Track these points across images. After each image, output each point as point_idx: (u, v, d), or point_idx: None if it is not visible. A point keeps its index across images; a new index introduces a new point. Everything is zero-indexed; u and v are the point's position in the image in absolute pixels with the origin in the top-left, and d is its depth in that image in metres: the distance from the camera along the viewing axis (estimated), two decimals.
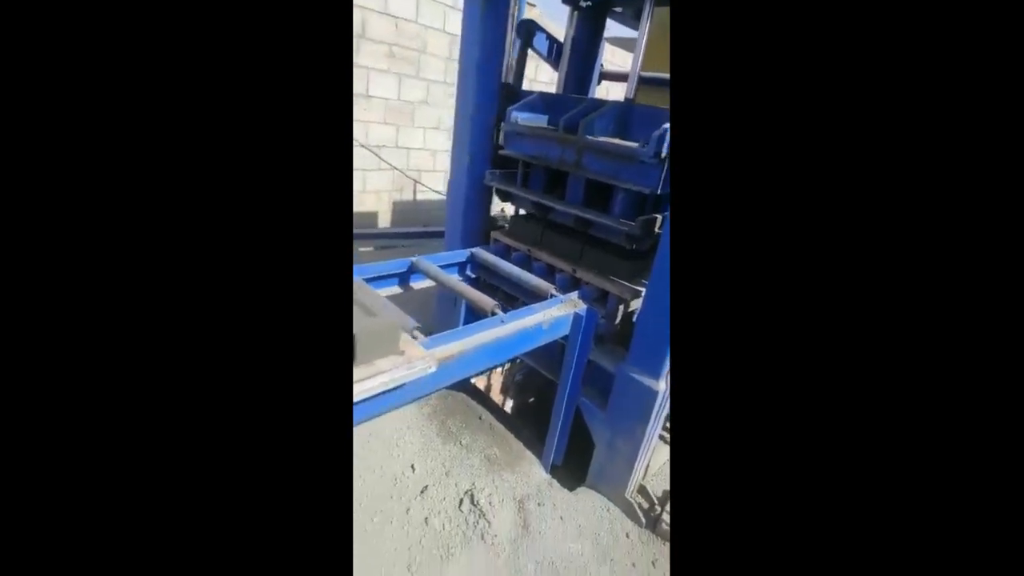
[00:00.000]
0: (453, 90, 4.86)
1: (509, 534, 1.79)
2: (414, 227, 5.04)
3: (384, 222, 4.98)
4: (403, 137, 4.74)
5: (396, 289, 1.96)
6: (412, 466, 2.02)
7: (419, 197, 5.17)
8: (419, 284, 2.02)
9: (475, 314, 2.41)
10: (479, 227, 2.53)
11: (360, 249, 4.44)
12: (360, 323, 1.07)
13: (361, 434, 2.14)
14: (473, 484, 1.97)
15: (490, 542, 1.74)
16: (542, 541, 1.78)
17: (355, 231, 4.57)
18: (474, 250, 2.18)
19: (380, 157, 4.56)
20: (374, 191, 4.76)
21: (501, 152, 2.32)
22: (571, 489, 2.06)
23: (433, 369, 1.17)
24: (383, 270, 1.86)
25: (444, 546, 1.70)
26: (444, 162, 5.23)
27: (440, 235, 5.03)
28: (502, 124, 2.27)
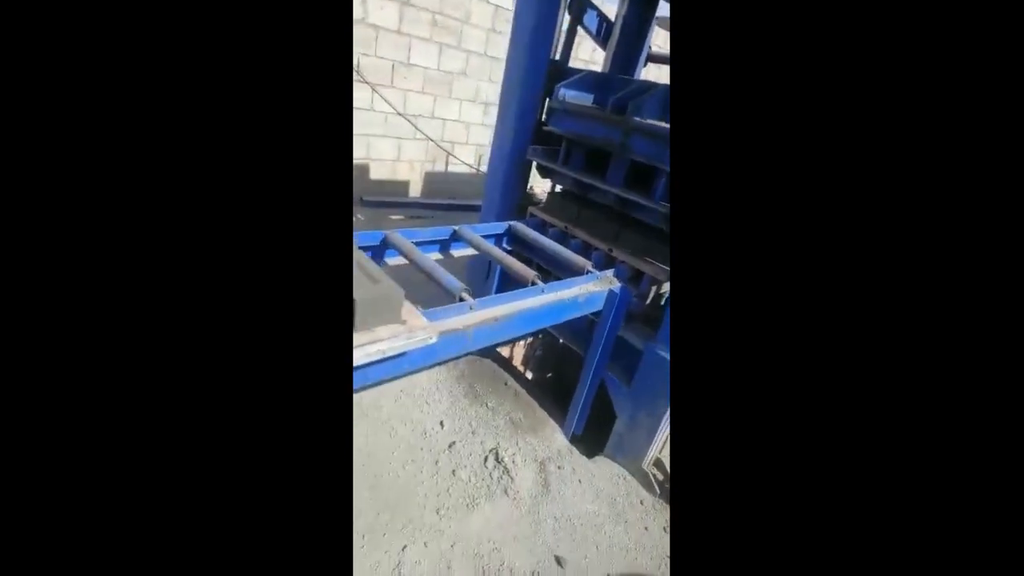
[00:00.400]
0: (492, 62, 4.86)
1: (530, 491, 1.91)
2: (444, 199, 5.11)
3: (415, 192, 5.06)
4: (440, 108, 4.77)
5: (437, 255, 2.05)
6: (441, 422, 2.15)
7: (450, 169, 5.22)
8: (459, 252, 2.10)
9: (507, 284, 2.50)
10: (516, 201, 2.60)
11: (392, 217, 4.54)
12: (361, 289, 1.07)
13: (393, 389, 2.27)
14: (498, 444, 2.09)
15: (513, 497, 1.87)
16: (561, 500, 1.90)
17: (388, 199, 4.67)
18: (512, 223, 2.25)
19: (416, 127, 4.61)
20: (408, 161, 4.83)
21: (544, 128, 2.36)
22: (589, 457, 2.16)
23: (433, 340, 1.16)
24: (428, 236, 1.94)
25: (470, 496, 1.83)
26: (477, 135, 5.25)
27: (468, 208, 5.12)
28: (548, 100, 2.31)
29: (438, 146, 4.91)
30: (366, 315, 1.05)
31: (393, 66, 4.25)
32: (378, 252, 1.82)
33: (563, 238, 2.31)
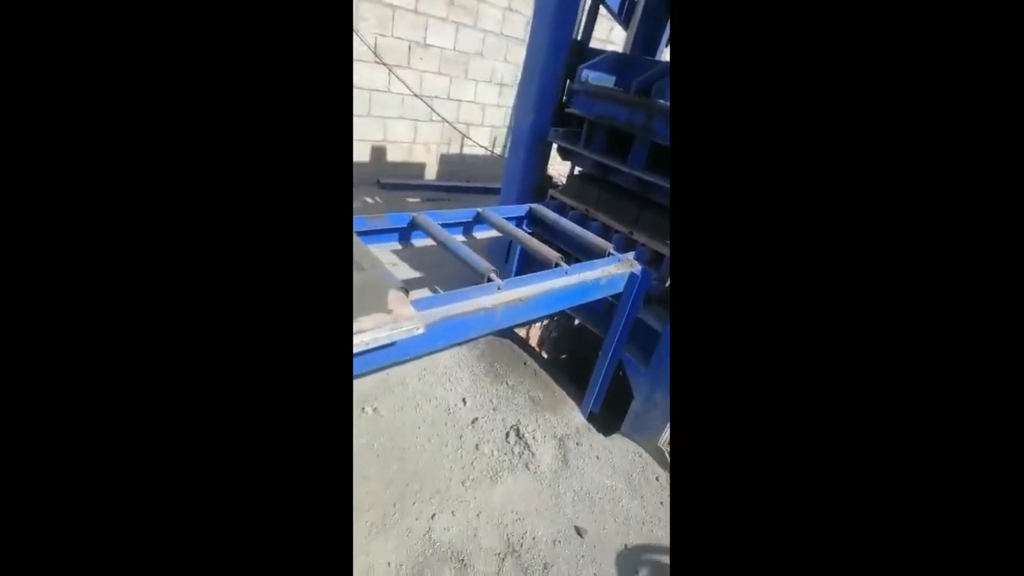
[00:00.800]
0: (507, 42, 4.81)
1: (550, 466, 1.98)
2: (459, 181, 5.12)
3: (431, 174, 5.08)
4: (455, 89, 4.75)
5: (461, 237, 2.09)
6: (463, 399, 2.22)
7: (466, 151, 5.21)
8: (482, 234, 2.14)
9: (527, 266, 2.54)
10: (535, 183, 2.61)
11: (408, 199, 4.58)
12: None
13: (417, 368, 2.34)
14: (518, 420, 2.16)
15: (534, 471, 1.94)
16: (580, 475, 1.97)
17: (405, 182, 4.69)
18: (533, 206, 2.28)
19: (432, 108, 4.60)
20: (424, 143, 4.83)
21: (566, 110, 2.36)
22: (606, 435, 2.23)
23: (421, 331, 1.12)
24: (453, 218, 1.98)
25: (493, 469, 1.91)
26: (492, 117, 5.22)
27: (484, 191, 5.13)
28: (570, 82, 2.31)
29: (454, 128, 4.90)
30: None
31: (410, 46, 4.23)
32: (405, 233, 1.87)
33: (583, 221, 2.34)
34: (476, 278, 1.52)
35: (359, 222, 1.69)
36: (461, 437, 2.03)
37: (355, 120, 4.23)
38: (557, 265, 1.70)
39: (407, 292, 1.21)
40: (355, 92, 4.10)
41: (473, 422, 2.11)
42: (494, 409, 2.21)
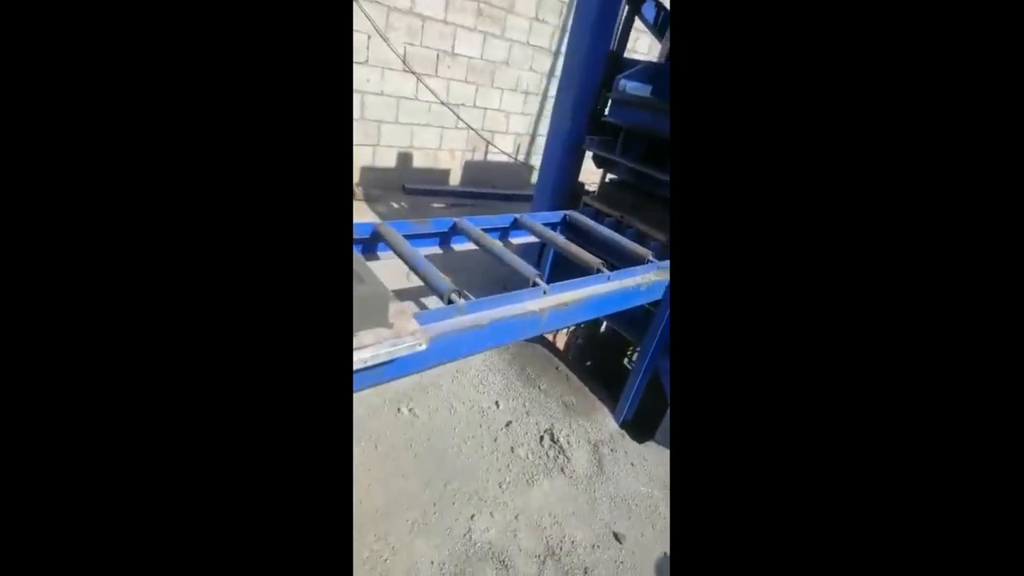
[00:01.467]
0: (533, 51, 4.87)
1: (585, 471, 1.98)
2: (483, 188, 5.17)
3: (455, 180, 5.14)
4: (481, 97, 4.82)
5: (498, 243, 2.12)
6: (496, 403, 2.24)
7: (490, 158, 5.27)
8: (519, 240, 2.16)
9: (559, 272, 2.56)
10: (569, 190, 2.64)
11: (433, 204, 4.63)
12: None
13: (449, 370, 2.36)
14: (552, 424, 2.16)
15: (569, 475, 1.94)
16: (615, 481, 1.97)
17: (429, 187, 4.76)
18: (569, 212, 2.30)
19: (458, 116, 4.67)
20: (449, 149, 4.90)
21: (602, 119, 2.39)
22: (640, 442, 2.22)
23: (423, 347, 1.06)
24: (491, 223, 2.01)
25: (529, 473, 1.92)
26: (517, 125, 5.28)
27: (507, 198, 5.18)
28: (607, 92, 2.34)
29: (479, 135, 4.96)
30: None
31: (438, 55, 4.30)
32: (446, 237, 1.90)
33: (618, 228, 2.35)
34: (516, 283, 1.54)
35: (404, 226, 1.73)
36: (496, 440, 2.04)
37: (383, 127, 4.32)
38: (599, 271, 1.72)
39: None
40: (384, 99, 4.19)
41: (507, 425, 2.13)
42: (527, 413, 2.22)
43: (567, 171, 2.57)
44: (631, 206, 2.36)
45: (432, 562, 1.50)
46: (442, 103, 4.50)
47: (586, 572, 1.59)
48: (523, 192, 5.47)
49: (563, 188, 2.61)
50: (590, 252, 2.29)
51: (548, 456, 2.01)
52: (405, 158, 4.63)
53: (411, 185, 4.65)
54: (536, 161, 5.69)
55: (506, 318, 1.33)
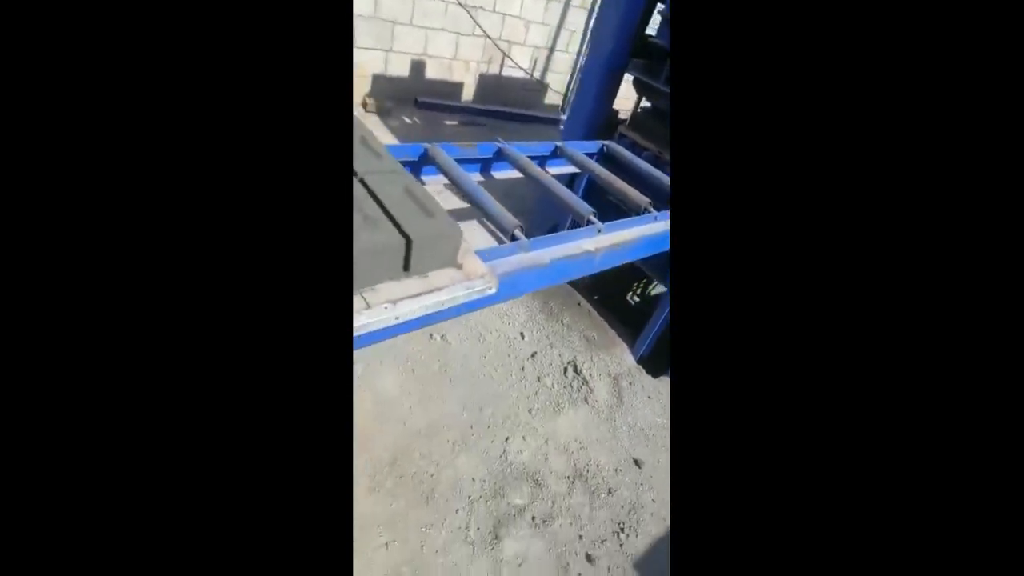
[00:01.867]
0: None
1: (607, 402, 2.09)
2: (498, 106, 4.88)
3: (467, 95, 4.81)
4: (501, 1, 4.37)
5: (547, 174, 2.03)
6: (521, 334, 2.29)
7: (505, 73, 4.90)
8: (556, 169, 2.08)
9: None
10: (605, 118, 2.50)
11: (445, 121, 4.38)
12: (416, 225, 0.86)
13: None
14: (575, 357, 2.24)
15: (592, 405, 2.05)
16: (633, 411, 2.09)
17: (442, 102, 4.46)
18: (606, 143, 2.19)
19: (475, 20, 4.25)
20: (464, 60, 4.53)
21: (648, 41, 2.20)
22: (655, 376, 2.33)
23: (493, 290, 1.00)
24: (533, 151, 1.92)
25: (555, 401, 2.02)
26: (536, 36, 4.85)
27: (523, 118, 4.90)
28: (658, 10, 2.13)
29: (495, 45, 4.56)
30: (421, 256, 0.87)
31: None
32: (487, 165, 1.81)
33: (656, 163, 2.26)
34: (579, 220, 1.50)
35: (452, 149, 1.64)
36: (523, 369, 2.12)
37: (397, 28, 3.93)
38: (646, 210, 1.68)
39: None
40: None
41: (532, 355, 2.20)
42: (551, 345, 2.29)
43: (605, 97, 2.41)
44: (669, 140, 2.25)
45: (473, 479, 1.62)
46: (459, 3, 4.07)
47: (610, 492, 1.74)
48: (539, 114, 5.18)
49: (599, 116, 2.46)
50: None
51: (572, 387, 2.11)
52: (418, 67, 4.28)
53: (424, 99, 4.35)
54: (552, 79, 5.32)
55: (565, 257, 1.32)
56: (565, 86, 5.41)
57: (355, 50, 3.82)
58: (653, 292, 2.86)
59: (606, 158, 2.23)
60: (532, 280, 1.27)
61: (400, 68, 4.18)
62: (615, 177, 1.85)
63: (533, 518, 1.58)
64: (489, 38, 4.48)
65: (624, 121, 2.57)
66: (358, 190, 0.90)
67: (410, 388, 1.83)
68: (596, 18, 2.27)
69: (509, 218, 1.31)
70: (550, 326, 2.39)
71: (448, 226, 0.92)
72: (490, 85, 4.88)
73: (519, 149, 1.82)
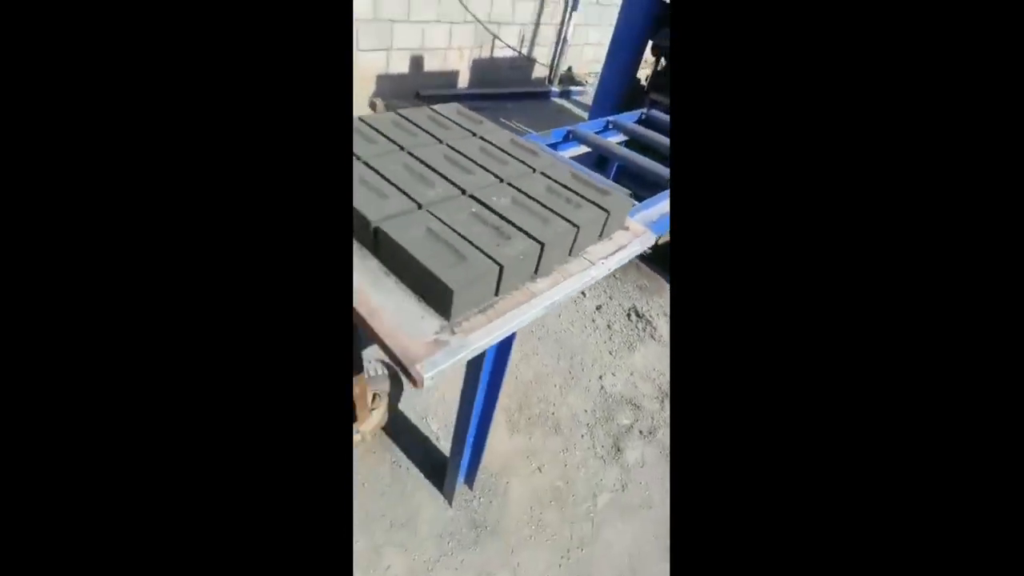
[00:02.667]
0: None
1: (668, 337, 2.43)
2: (493, 88, 5.04)
3: (463, 82, 4.97)
4: None
5: (622, 148, 2.29)
6: (582, 293, 2.60)
7: (496, 54, 5.05)
8: (614, 139, 2.34)
9: (622, 178, 2.74)
10: (631, 86, 2.75)
11: None
12: (602, 199, 1.10)
13: None
14: (633, 304, 2.56)
15: (658, 340, 2.38)
16: None
17: (442, 92, 4.62)
18: (648, 111, 2.45)
19: (466, 7, 4.39)
20: (457, 48, 4.67)
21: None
22: None
23: (652, 241, 1.22)
24: (590, 128, 2.18)
25: (628, 342, 2.34)
26: (522, 13, 5.00)
27: (517, 96, 5.08)
28: None
29: (485, 28, 4.71)
30: (611, 222, 1.11)
31: None
32: (553, 147, 2.07)
33: None
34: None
35: (535, 138, 1.89)
36: (594, 321, 2.43)
37: (396, 27, 4.06)
38: None
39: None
40: None
41: (598, 308, 2.51)
42: (610, 298, 2.60)
43: (632, 67, 2.66)
44: None
45: (585, 410, 1.95)
46: None
47: None
48: (529, 89, 5.35)
49: (628, 84, 2.72)
50: (655, 153, 2.50)
51: (638, 328, 2.43)
52: (417, 61, 4.42)
53: (425, 91, 4.50)
54: (538, 53, 5.48)
55: (663, 213, 1.61)
56: (550, 58, 5.58)
57: (358, 52, 3.96)
58: None
59: (649, 123, 2.50)
60: (657, 230, 1.56)
61: (401, 65, 4.32)
62: (662, 137, 2.12)
63: (640, 432, 1.91)
64: (479, 22, 4.62)
65: (644, 88, 2.82)
66: (550, 180, 1.20)
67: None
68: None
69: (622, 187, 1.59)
70: (605, 282, 2.70)
71: (622, 197, 1.18)
72: (484, 68, 5.04)
73: (587, 128, 2.08)
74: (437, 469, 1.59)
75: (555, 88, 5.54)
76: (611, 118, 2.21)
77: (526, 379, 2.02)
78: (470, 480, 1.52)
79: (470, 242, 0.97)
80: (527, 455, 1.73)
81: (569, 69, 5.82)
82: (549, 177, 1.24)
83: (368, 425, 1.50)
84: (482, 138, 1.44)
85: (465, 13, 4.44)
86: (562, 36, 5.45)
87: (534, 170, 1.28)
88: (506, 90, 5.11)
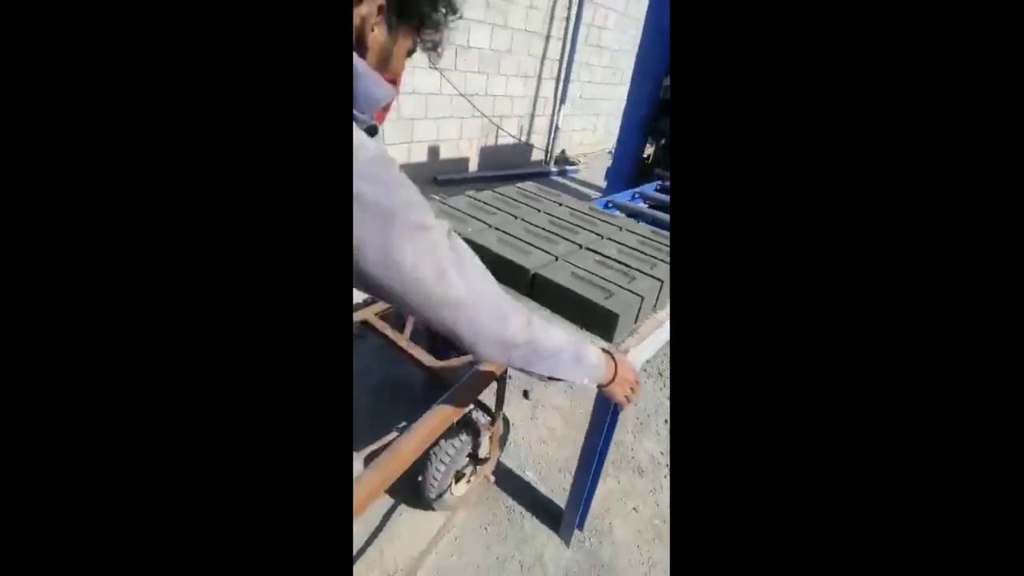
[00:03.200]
0: (530, 37, 5.25)
1: None
2: (498, 171, 5.55)
3: (473, 166, 5.47)
4: (491, 85, 5.13)
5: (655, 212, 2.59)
6: None
7: (499, 142, 5.62)
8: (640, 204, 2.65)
9: None
10: (639, 163, 3.15)
11: (465, 192, 4.96)
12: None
13: None
14: None
15: None
16: None
17: (456, 176, 5.07)
18: (660, 182, 2.81)
19: (474, 106, 4.97)
20: (467, 138, 5.20)
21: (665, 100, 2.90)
22: None
23: None
24: (623, 197, 2.49)
25: None
26: (520, 107, 5.65)
27: (520, 177, 5.58)
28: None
29: (491, 121, 5.29)
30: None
31: (456, 50, 4.57)
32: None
33: None
34: None
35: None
36: (645, 370, 2.57)
37: (415, 123, 4.56)
38: None
39: None
40: (415, 97, 4.43)
41: (648, 360, 2.67)
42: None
43: (639, 149, 3.08)
44: None
45: (661, 452, 2.03)
46: (461, 95, 4.79)
47: None
48: (529, 171, 5.90)
49: (637, 162, 3.12)
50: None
51: None
52: (434, 151, 4.90)
53: (442, 177, 4.94)
54: (535, 139, 6.11)
55: None
56: (545, 143, 6.22)
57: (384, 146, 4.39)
58: None
59: (664, 190, 2.85)
60: None
61: (419, 155, 4.79)
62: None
63: None
64: (485, 116, 5.20)
65: (648, 165, 3.23)
66: (637, 235, 1.43)
67: (573, 402, 2.25)
68: (628, 93, 2.96)
69: None
70: None
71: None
72: (489, 153, 5.58)
73: (618, 197, 2.39)
74: (546, 513, 1.64)
75: (553, 168, 6.10)
76: (637, 189, 2.55)
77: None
78: (581, 523, 1.58)
79: (609, 281, 1.17)
80: (620, 497, 1.80)
81: (563, 152, 6.46)
82: (634, 233, 1.48)
83: (491, 468, 1.57)
84: (568, 207, 1.70)
85: (473, 110, 5.01)
86: (554, 125, 6.12)
87: (620, 228, 1.53)
88: (511, 171, 5.62)
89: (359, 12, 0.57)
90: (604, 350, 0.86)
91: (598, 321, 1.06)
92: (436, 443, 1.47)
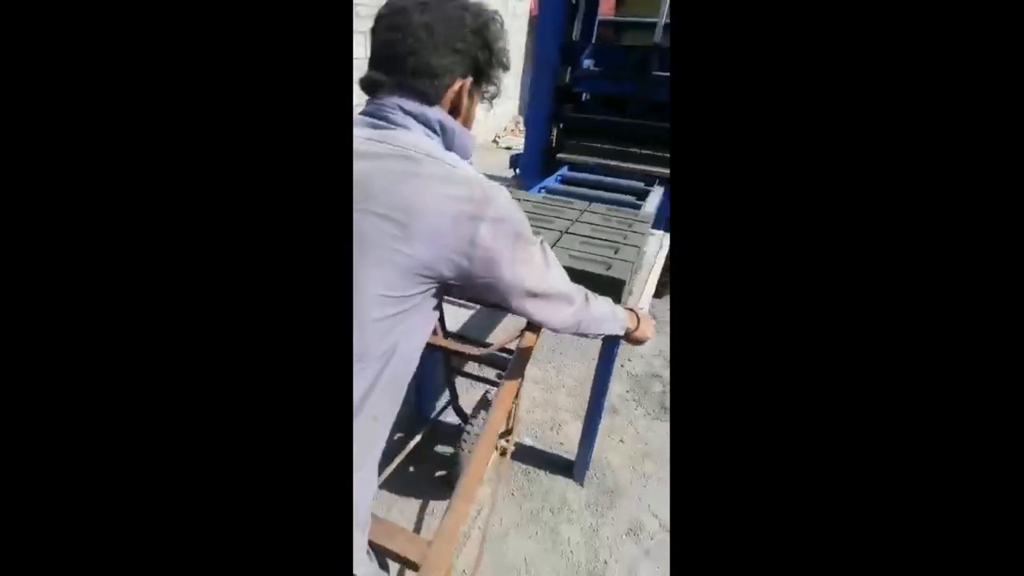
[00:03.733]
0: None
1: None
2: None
3: None
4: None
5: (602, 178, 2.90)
6: None
7: None
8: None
9: None
10: (547, 149, 3.47)
11: None
12: (635, 223, 1.72)
13: None
14: None
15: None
16: None
17: None
18: (566, 172, 3.12)
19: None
20: None
21: (573, 91, 3.29)
22: None
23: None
24: (559, 176, 2.78)
25: None
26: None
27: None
28: (571, 70, 3.22)
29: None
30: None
31: None
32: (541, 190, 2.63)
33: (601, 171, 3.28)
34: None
35: (535, 191, 2.42)
36: None
37: None
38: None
39: None
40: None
41: None
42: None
43: (546, 137, 3.42)
44: (600, 152, 3.28)
45: (626, 391, 2.42)
46: None
47: None
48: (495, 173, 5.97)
49: (544, 149, 3.45)
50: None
51: None
52: None
53: None
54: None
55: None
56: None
57: None
58: None
59: (570, 181, 3.17)
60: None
61: None
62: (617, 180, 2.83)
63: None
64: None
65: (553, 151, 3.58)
66: (595, 214, 1.74)
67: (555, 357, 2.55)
68: (531, 84, 3.26)
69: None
70: None
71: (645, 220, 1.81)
72: None
73: (549, 182, 2.69)
74: (555, 465, 1.93)
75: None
76: (552, 178, 2.85)
77: (571, 384, 2.44)
78: (588, 463, 1.89)
79: (602, 255, 1.45)
80: (606, 434, 2.14)
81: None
82: (595, 213, 1.79)
83: (515, 438, 1.78)
84: (527, 200, 1.95)
85: None
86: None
87: (581, 211, 1.82)
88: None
89: (454, 88, 0.76)
90: (627, 308, 1.15)
91: (604, 289, 1.33)
92: (475, 416, 1.66)
